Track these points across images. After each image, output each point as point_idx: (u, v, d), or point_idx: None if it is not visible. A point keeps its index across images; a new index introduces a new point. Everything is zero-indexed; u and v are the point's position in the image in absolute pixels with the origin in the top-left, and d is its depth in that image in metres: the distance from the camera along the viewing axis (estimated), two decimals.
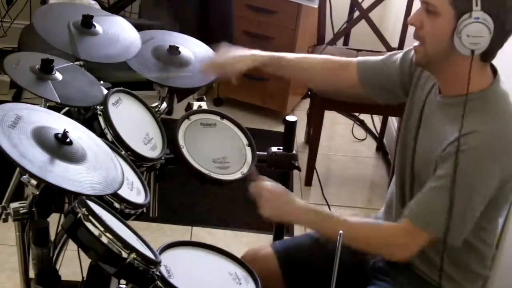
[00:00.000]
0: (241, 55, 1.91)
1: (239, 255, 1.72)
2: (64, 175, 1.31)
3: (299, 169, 2.05)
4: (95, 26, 1.90)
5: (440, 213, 1.54)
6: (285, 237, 2.10)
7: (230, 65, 1.91)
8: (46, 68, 1.69)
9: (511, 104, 1.60)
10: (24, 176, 1.39)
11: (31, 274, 1.53)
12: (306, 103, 3.85)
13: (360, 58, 1.88)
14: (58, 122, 1.45)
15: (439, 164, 1.58)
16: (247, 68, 1.89)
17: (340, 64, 1.91)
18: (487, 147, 1.53)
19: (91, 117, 1.74)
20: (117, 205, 1.53)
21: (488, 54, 1.56)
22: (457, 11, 1.51)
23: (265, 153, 1.97)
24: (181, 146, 1.83)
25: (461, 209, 1.54)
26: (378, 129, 3.70)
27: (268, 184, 1.74)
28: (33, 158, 1.29)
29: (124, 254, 1.35)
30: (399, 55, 1.82)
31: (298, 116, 2.11)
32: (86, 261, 1.44)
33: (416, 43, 1.63)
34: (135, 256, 1.35)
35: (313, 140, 3.29)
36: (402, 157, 1.78)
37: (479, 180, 1.54)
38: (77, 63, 1.87)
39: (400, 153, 1.80)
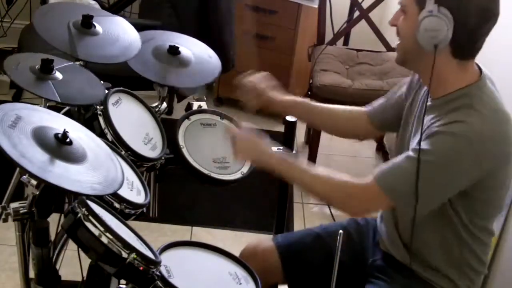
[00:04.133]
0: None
1: (239, 255, 1.72)
2: (64, 175, 1.31)
3: None
4: (95, 26, 1.90)
5: (407, 185, 1.54)
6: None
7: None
8: (46, 68, 1.69)
9: (498, 101, 1.60)
10: (24, 176, 1.39)
11: (31, 274, 1.53)
12: None
13: (368, 108, 1.93)
14: (58, 122, 1.45)
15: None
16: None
17: (350, 114, 1.97)
18: (470, 137, 1.52)
19: (91, 117, 1.74)
20: (117, 205, 1.53)
21: (460, 51, 1.57)
22: (419, 8, 1.55)
23: None
24: (181, 146, 1.83)
25: (428, 187, 1.54)
26: None
27: (244, 129, 1.79)
28: (33, 158, 1.29)
29: (124, 254, 1.35)
30: (403, 88, 1.85)
31: None
32: (86, 261, 1.44)
33: (398, 42, 1.67)
34: (135, 256, 1.35)
35: (313, 140, 3.29)
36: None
37: (451, 164, 1.54)
38: (77, 62, 1.87)
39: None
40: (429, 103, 1.66)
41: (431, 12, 1.51)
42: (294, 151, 2.00)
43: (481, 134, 1.52)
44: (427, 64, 1.59)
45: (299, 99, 2.00)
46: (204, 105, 2.01)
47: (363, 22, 3.45)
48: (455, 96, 1.59)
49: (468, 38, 1.56)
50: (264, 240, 1.97)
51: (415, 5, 1.56)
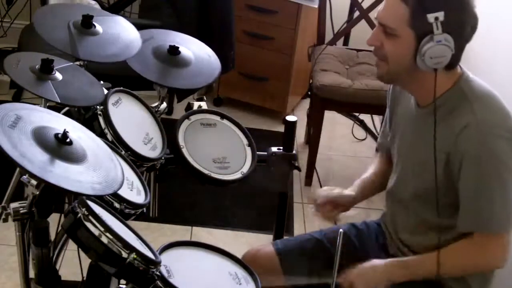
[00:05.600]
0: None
1: (239, 255, 1.72)
2: (64, 175, 1.31)
3: (299, 169, 2.05)
4: (95, 26, 1.90)
5: (500, 212, 1.57)
6: (285, 237, 2.11)
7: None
8: (46, 68, 1.69)
9: (483, 85, 1.63)
10: (24, 176, 1.39)
11: (31, 274, 1.53)
12: (306, 103, 3.85)
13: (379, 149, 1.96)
14: (58, 122, 1.45)
15: (455, 167, 1.59)
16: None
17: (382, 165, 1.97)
18: (486, 132, 1.54)
19: (91, 117, 1.73)
20: (117, 205, 1.53)
21: (452, 64, 1.59)
22: (417, 33, 1.54)
23: (265, 153, 1.97)
24: (181, 146, 1.83)
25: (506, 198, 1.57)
26: (378, 129, 3.70)
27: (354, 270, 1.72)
28: (33, 158, 1.29)
29: (124, 254, 1.35)
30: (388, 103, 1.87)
31: (298, 116, 2.11)
32: (86, 261, 1.44)
33: (379, 62, 1.64)
34: (135, 256, 1.35)
35: (313, 140, 3.29)
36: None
37: (500, 160, 1.56)
38: (77, 63, 1.87)
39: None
40: (417, 110, 1.67)
41: (440, 41, 1.51)
42: (294, 151, 2.01)
43: (497, 120, 1.57)
44: (417, 80, 1.62)
45: (358, 181, 1.97)
46: (204, 105, 2.01)
47: (363, 22, 3.45)
48: (447, 97, 1.60)
49: (461, 53, 1.59)
50: (264, 245, 1.97)
51: (410, 29, 1.54)
